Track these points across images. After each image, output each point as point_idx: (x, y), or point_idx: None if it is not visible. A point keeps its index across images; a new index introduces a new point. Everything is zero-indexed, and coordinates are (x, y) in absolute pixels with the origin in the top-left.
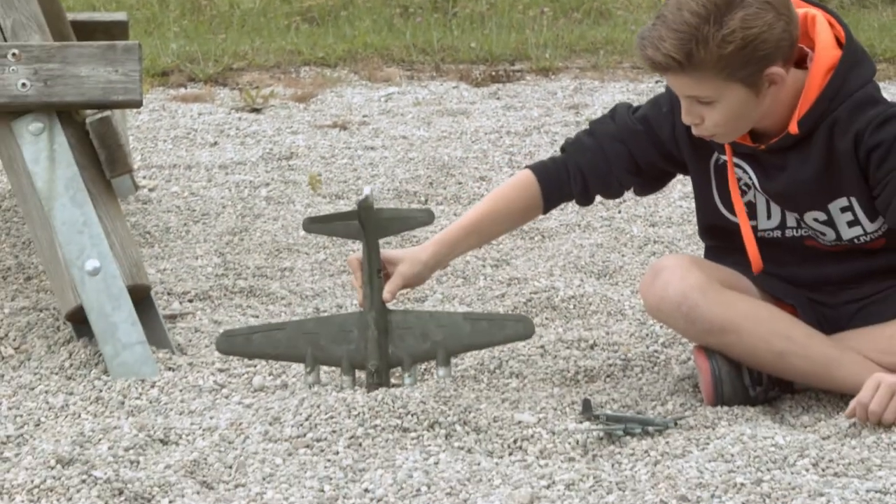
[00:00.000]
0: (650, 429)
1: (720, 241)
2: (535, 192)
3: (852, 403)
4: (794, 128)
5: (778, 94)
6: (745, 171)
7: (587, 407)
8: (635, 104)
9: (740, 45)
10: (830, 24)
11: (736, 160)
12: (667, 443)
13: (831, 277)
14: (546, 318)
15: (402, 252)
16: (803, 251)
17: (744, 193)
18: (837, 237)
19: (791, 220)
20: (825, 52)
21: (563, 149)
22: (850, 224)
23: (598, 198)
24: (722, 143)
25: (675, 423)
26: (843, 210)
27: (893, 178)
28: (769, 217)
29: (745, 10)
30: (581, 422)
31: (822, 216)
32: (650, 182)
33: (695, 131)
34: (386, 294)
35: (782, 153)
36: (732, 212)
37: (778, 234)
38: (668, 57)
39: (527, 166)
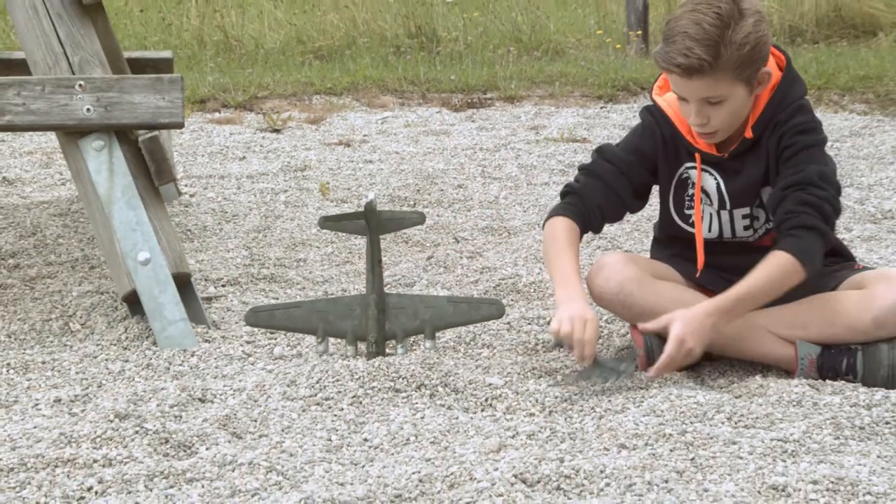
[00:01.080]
0: (621, 372)
1: (668, 235)
2: (577, 229)
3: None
4: (749, 132)
5: (758, 95)
6: (712, 175)
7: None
8: (614, 142)
9: (753, 45)
10: (771, 53)
11: (705, 167)
12: (609, 401)
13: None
14: (511, 300)
15: (586, 313)
16: (734, 246)
17: (693, 206)
18: (767, 220)
19: (727, 231)
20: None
21: (567, 192)
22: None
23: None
24: (692, 154)
25: (631, 365)
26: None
27: (784, 176)
28: (710, 230)
29: (751, 18)
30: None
31: (757, 201)
32: (644, 200)
33: (699, 130)
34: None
35: (740, 158)
36: (683, 220)
37: (716, 240)
38: (701, 59)
39: (558, 213)
